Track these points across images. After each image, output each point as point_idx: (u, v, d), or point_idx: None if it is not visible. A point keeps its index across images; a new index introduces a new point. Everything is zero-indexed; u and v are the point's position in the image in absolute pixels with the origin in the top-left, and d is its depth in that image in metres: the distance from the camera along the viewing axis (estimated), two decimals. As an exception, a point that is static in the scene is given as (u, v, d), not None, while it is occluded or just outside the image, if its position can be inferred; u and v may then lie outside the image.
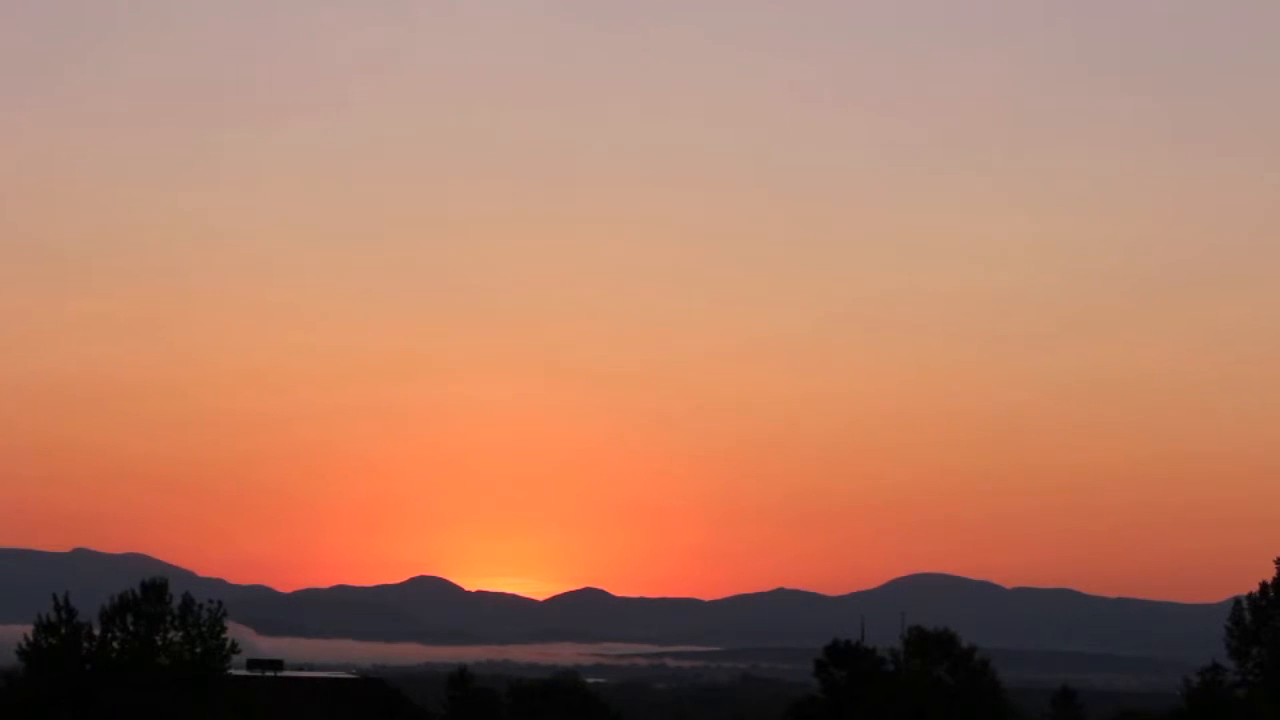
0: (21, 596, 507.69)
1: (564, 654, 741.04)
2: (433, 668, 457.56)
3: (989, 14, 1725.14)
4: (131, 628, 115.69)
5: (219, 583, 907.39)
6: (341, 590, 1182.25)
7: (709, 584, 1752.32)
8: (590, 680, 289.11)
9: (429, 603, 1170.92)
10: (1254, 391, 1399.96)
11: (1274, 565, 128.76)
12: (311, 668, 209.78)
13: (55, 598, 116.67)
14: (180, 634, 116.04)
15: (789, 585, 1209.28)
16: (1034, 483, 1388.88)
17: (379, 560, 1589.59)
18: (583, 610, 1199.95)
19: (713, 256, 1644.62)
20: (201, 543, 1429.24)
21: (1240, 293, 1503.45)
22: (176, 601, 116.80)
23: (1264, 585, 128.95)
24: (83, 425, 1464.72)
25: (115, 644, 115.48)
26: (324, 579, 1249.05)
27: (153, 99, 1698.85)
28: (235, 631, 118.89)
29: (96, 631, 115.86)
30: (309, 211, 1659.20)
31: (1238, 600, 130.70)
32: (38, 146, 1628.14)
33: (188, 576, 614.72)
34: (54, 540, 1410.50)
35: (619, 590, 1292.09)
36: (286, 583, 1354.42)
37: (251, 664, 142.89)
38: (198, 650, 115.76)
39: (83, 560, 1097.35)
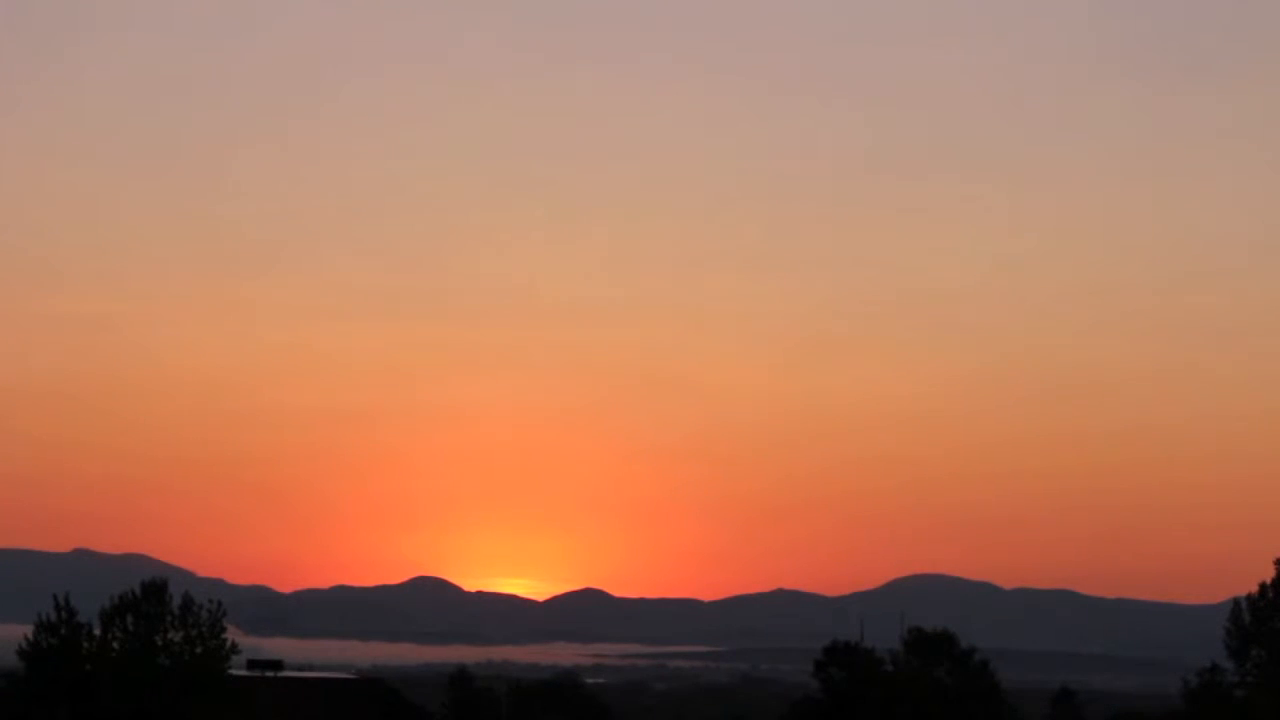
0: (21, 596, 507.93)
1: (564, 655, 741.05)
2: (432, 668, 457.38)
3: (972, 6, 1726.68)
4: (131, 628, 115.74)
5: (219, 583, 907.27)
6: (341, 590, 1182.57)
7: (709, 584, 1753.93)
8: (590, 681, 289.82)
9: (429, 603, 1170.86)
10: (1255, 391, 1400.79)
11: (1273, 566, 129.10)
12: (311, 668, 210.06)
13: (55, 598, 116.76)
14: (180, 634, 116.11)
15: (789, 585, 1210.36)
16: (1034, 483, 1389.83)
17: (379, 560, 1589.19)
18: (583, 611, 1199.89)
19: (713, 255, 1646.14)
20: (201, 543, 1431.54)
21: (1242, 292, 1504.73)
22: (176, 602, 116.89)
23: (1263, 586, 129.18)
24: (82, 425, 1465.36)
25: (115, 644, 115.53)
26: (324, 579, 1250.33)
27: (150, 98, 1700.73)
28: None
29: (96, 631, 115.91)
30: (308, 211, 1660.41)
31: (1237, 601, 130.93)
32: (33, 147, 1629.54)
33: (188, 576, 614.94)
34: (54, 540, 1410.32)
35: (619, 591, 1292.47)
36: (286, 583, 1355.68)
37: (251, 664, 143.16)
38: (198, 650, 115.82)
39: (83, 560, 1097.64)
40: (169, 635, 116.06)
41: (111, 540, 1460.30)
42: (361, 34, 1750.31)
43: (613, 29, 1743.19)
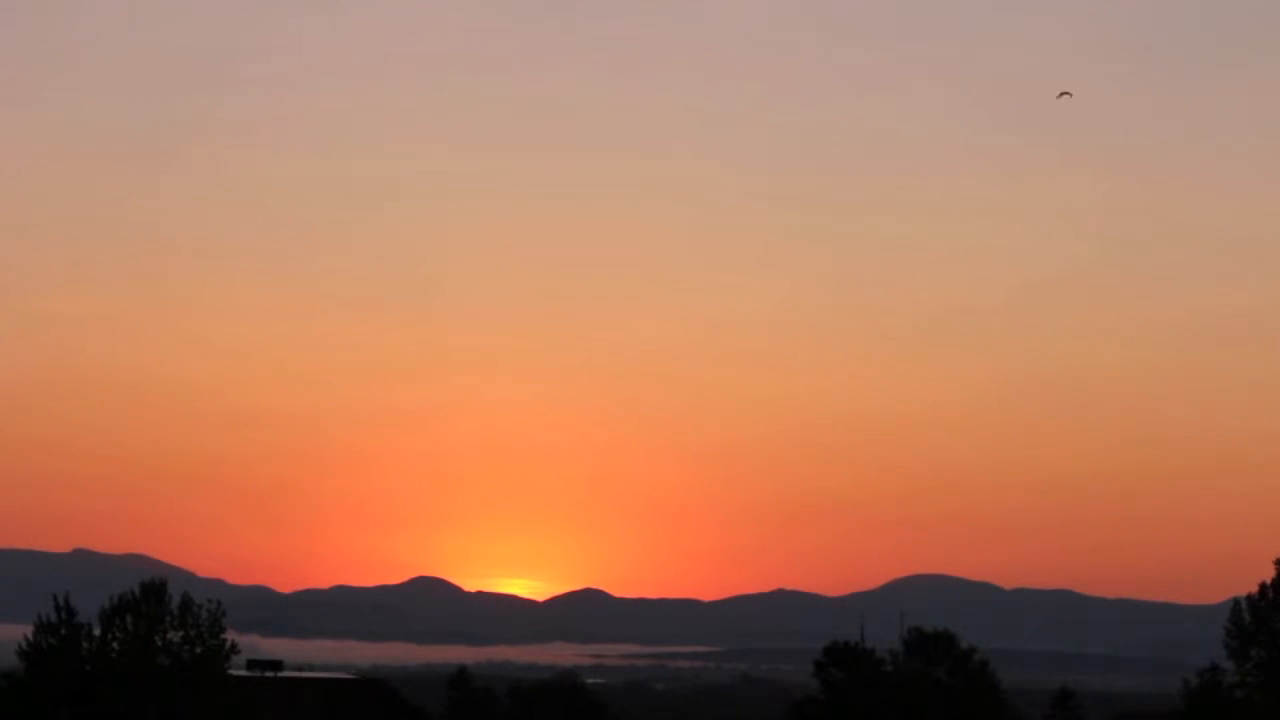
0: (21, 596, 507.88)
1: (564, 655, 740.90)
2: (432, 668, 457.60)
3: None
4: (131, 628, 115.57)
5: (219, 583, 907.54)
6: (341, 590, 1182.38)
7: (709, 584, 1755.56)
8: (590, 681, 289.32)
9: (429, 603, 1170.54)
10: (1255, 391, 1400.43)
11: (1273, 566, 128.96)
12: (311, 668, 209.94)
13: (55, 598, 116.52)
14: (180, 634, 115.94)
15: (789, 585, 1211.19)
16: (1034, 483, 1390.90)
17: (379, 560, 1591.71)
18: (583, 611, 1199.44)
19: (714, 256, 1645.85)
20: (201, 543, 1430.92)
21: (1242, 291, 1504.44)
22: (176, 602, 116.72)
23: (1263, 586, 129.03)
24: (82, 425, 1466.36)
25: (115, 644, 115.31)
26: (324, 579, 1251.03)
27: (143, 94, 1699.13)
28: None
29: (96, 631, 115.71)
30: (309, 210, 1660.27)
31: (1237, 601, 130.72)
32: (29, 147, 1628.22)
33: (188, 576, 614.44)
34: (54, 540, 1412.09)
35: (619, 591, 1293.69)
36: (286, 583, 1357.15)
37: (251, 664, 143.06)
38: (198, 650, 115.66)
39: (83, 560, 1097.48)
40: (169, 635, 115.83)
41: (111, 540, 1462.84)
42: (351, 34, 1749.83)
43: (615, 27, 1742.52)
